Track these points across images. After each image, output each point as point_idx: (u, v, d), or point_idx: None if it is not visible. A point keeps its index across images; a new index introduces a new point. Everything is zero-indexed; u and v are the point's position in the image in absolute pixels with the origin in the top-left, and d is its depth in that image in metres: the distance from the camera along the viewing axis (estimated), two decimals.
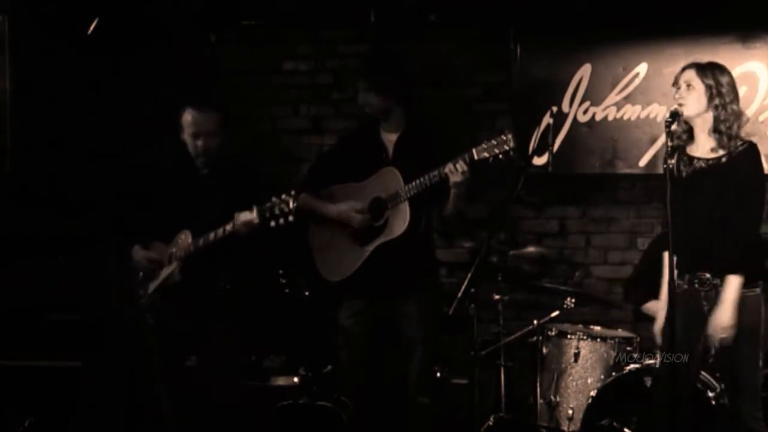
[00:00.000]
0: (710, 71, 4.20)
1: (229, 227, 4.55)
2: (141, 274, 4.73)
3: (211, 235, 4.59)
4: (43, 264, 5.43)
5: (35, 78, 5.72)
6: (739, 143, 4.19)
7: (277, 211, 4.49)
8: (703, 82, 4.17)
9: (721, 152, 4.19)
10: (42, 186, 5.71)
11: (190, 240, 4.65)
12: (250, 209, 4.53)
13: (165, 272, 4.69)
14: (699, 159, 4.22)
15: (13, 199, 5.65)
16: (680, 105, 4.18)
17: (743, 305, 4.13)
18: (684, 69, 4.24)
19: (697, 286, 4.19)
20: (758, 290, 4.19)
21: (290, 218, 4.49)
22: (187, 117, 4.70)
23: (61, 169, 5.75)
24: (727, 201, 4.13)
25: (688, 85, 4.19)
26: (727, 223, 4.12)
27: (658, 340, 4.32)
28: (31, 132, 5.74)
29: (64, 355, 5.12)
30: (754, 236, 4.22)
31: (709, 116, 4.18)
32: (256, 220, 4.52)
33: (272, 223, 4.51)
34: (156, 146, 4.91)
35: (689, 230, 4.09)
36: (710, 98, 4.16)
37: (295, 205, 4.48)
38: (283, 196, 4.49)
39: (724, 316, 4.10)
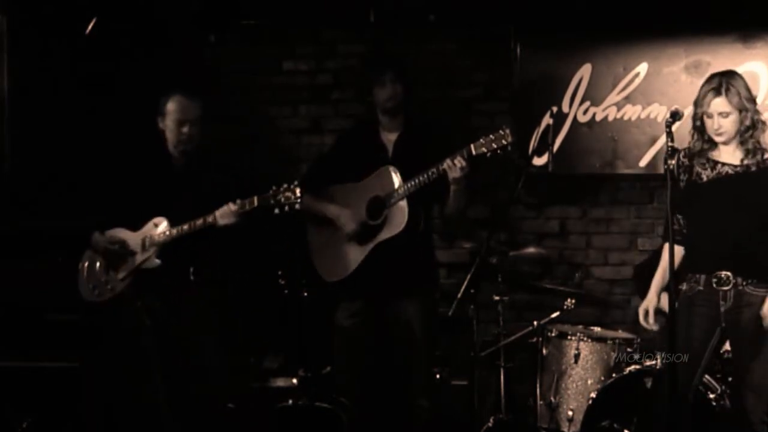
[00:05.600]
0: (734, 89, 4.15)
1: (210, 218, 4.56)
2: (104, 261, 4.76)
3: (192, 224, 4.60)
4: (43, 264, 5.41)
5: (34, 78, 5.71)
6: (767, 156, 4.21)
7: (282, 199, 4.48)
8: (734, 106, 4.15)
9: (749, 161, 4.21)
10: (41, 186, 5.70)
11: (166, 226, 4.66)
12: (233, 201, 4.54)
13: (140, 258, 4.69)
14: (725, 164, 4.22)
15: (12, 200, 5.64)
16: (719, 135, 4.18)
17: (755, 305, 4.15)
18: (711, 98, 4.17)
19: (715, 285, 4.19)
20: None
21: (296, 206, 4.49)
22: (173, 104, 4.70)
23: (60, 169, 5.75)
24: (761, 210, 4.15)
25: (725, 116, 4.15)
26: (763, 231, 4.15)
27: (642, 319, 4.35)
28: (30, 132, 5.73)
29: (64, 355, 5.11)
30: None
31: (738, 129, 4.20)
32: (235, 213, 4.52)
33: (276, 211, 4.50)
34: (129, 134, 4.91)
35: (711, 233, 4.12)
36: (743, 118, 4.16)
37: (300, 194, 4.47)
38: (286, 185, 4.49)
39: None
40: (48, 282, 5.35)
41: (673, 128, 4.12)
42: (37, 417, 5.03)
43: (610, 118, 5.82)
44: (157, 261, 4.68)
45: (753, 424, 4.16)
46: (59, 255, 5.41)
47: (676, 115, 4.12)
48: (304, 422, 4.97)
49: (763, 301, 4.17)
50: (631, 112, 5.79)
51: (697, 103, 4.24)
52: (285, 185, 4.49)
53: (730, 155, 4.24)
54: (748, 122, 4.18)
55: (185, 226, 4.62)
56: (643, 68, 5.76)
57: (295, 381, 5.14)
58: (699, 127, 4.25)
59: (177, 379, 4.67)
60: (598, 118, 5.84)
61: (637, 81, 5.77)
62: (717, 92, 4.17)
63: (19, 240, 5.46)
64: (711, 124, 4.20)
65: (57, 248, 5.43)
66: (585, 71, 5.82)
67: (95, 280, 4.81)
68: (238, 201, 4.54)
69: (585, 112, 5.83)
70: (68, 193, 5.67)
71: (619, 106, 5.81)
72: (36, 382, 5.08)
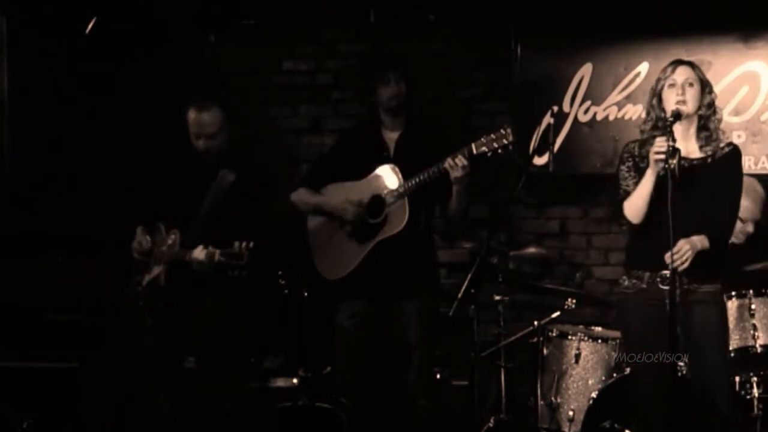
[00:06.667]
0: (697, 67, 4.20)
1: (188, 256, 4.51)
2: (136, 265, 4.75)
3: (189, 254, 4.53)
4: (43, 264, 5.42)
5: (34, 78, 5.72)
6: (723, 144, 4.18)
7: (233, 263, 4.37)
8: (699, 78, 4.16)
9: (706, 152, 4.17)
10: (41, 186, 5.70)
11: (177, 245, 4.62)
12: (204, 250, 4.45)
13: (155, 271, 4.68)
14: (683, 159, 4.09)
15: (12, 200, 5.64)
16: (683, 104, 4.11)
17: (703, 303, 4.12)
18: (674, 67, 4.18)
19: (660, 285, 4.12)
20: (719, 286, 4.18)
21: (244, 273, 4.39)
22: (191, 115, 4.68)
23: (60, 169, 5.75)
24: (707, 202, 4.10)
25: (690, 84, 4.14)
26: (708, 225, 4.08)
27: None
28: (29, 133, 5.73)
29: (64, 355, 5.11)
30: (728, 239, 4.23)
31: (696, 114, 4.17)
32: (205, 261, 4.43)
33: (230, 273, 4.42)
34: (166, 137, 4.90)
35: (657, 227, 4.00)
36: (703, 95, 4.16)
37: (247, 260, 4.35)
38: (243, 245, 4.37)
39: (699, 242, 4.03)
40: (48, 282, 5.35)
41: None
42: (37, 417, 5.02)
43: (611, 118, 5.82)
44: (164, 282, 4.63)
45: (720, 406, 4.13)
46: (59, 255, 5.42)
47: (677, 116, 4.11)
48: (304, 422, 4.96)
49: (711, 299, 4.12)
50: (632, 111, 5.78)
51: (657, 82, 4.19)
52: (244, 244, 4.36)
53: (682, 145, 4.13)
54: (708, 101, 4.15)
55: (184, 254, 4.56)
56: (644, 68, 5.75)
57: (295, 381, 5.13)
58: (655, 106, 4.17)
59: (178, 379, 4.66)
60: (599, 117, 5.83)
61: (638, 80, 5.76)
62: (682, 63, 4.18)
63: (19, 240, 5.46)
64: (674, 94, 4.11)
65: (57, 248, 5.44)
66: (586, 71, 5.81)
67: (131, 281, 4.80)
68: (208, 249, 4.44)
69: (586, 111, 5.83)
70: (68, 193, 5.69)
71: (620, 105, 5.81)
72: (36, 382, 5.08)
